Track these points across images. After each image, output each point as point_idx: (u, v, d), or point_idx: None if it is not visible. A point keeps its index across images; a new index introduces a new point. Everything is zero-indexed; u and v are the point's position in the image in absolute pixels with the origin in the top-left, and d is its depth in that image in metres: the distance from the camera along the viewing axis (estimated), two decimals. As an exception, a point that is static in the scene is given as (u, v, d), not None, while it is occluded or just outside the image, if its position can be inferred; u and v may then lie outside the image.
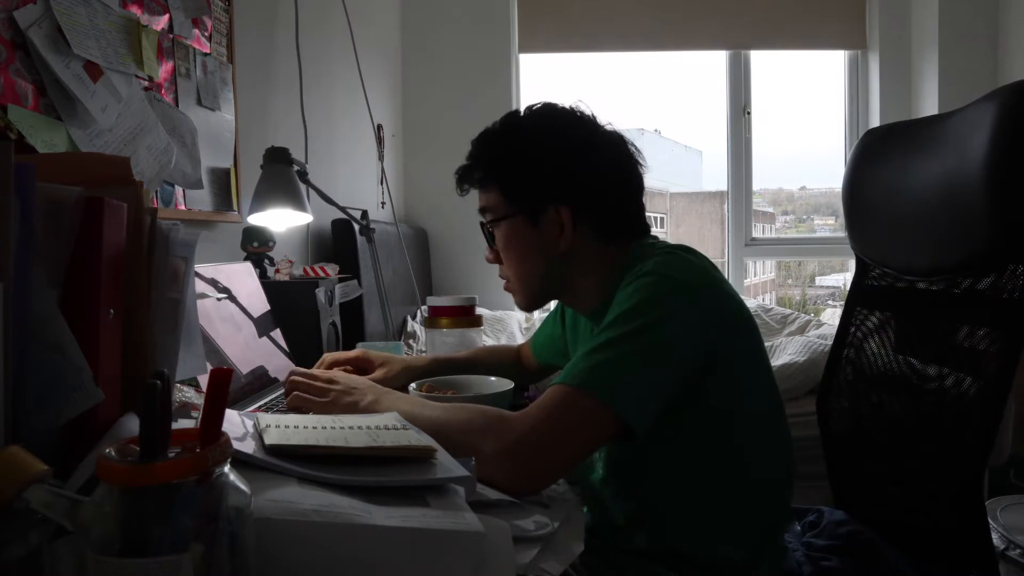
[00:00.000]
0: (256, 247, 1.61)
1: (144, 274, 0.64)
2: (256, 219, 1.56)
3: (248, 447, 0.64)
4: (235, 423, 0.73)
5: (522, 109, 1.09)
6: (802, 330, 2.55)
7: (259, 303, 1.40)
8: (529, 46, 3.42)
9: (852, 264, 1.31)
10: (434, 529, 0.53)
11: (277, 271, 1.63)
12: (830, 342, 1.36)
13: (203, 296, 1.19)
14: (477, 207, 1.11)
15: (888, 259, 1.16)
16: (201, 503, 0.42)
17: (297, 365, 1.43)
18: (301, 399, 1.03)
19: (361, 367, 1.29)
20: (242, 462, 0.60)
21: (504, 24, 3.33)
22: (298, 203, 1.55)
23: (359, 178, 2.70)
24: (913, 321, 1.12)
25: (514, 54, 3.40)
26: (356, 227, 1.96)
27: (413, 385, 1.17)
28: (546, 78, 3.57)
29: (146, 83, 1.36)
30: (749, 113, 3.48)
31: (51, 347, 0.53)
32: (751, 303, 2.90)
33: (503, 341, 2.57)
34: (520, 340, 2.52)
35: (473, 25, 3.32)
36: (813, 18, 3.39)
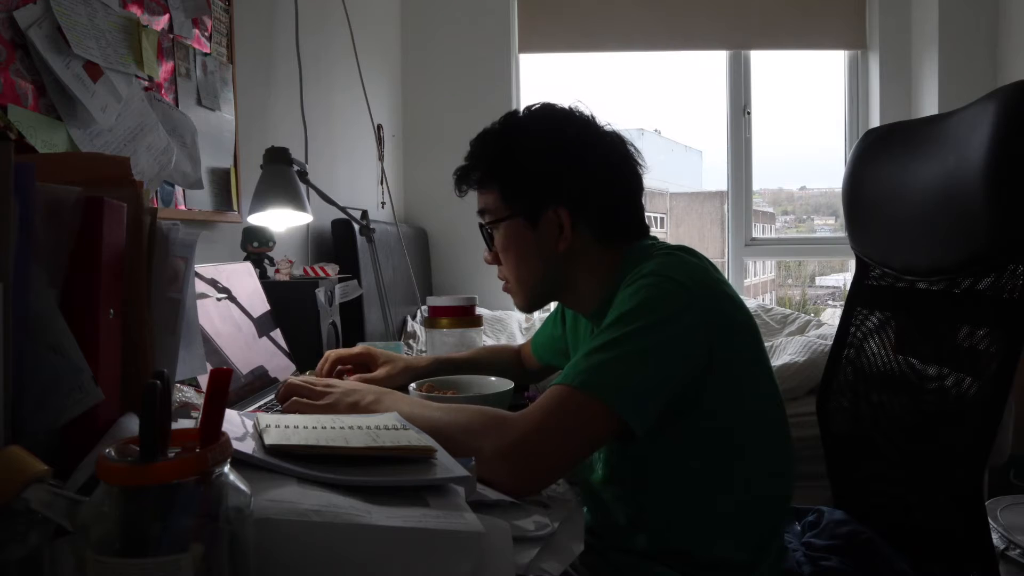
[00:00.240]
0: (256, 247, 1.61)
1: (144, 274, 0.64)
2: (256, 219, 1.56)
3: (248, 447, 0.63)
4: (235, 423, 0.73)
5: (521, 110, 1.09)
6: (802, 330, 2.55)
7: (259, 303, 1.40)
8: (529, 46, 3.42)
9: (852, 264, 1.31)
10: (434, 529, 0.53)
11: (277, 271, 1.63)
12: (830, 342, 1.36)
13: (203, 296, 1.18)
14: (477, 207, 1.11)
15: (888, 259, 1.16)
16: (201, 503, 0.42)
17: (297, 365, 1.43)
18: (300, 404, 0.99)
19: (364, 363, 1.29)
20: (242, 462, 0.59)
21: (504, 24, 3.33)
22: (298, 203, 1.55)
23: (359, 178, 2.70)
24: (913, 321, 1.12)
25: (514, 54, 3.40)
26: (356, 227, 1.96)
27: (413, 385, 1.17)
28: (546, 78, 3.58)
29: (146, 83, 1.36)
30: (749, 113, 3.48)
31: (51, 347, 0.53)
32: (751, 303, 2.90)
33: (503, 341, 2.57)
34: (520, 340, 2.52)
35: (473, 25, 3.32)
36: (813, 18, 3.39)
